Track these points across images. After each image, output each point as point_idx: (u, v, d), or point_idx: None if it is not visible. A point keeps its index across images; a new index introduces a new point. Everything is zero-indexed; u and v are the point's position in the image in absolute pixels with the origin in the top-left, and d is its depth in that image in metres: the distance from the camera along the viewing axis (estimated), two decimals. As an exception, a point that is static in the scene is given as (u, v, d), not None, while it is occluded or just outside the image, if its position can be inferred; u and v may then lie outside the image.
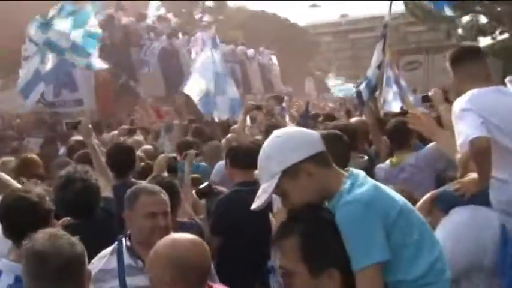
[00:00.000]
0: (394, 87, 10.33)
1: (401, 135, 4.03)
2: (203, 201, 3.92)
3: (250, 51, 20.20)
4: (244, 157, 3.62)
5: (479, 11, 26.69)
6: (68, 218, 2.93)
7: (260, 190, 1.70)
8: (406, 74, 17.35)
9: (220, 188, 4.15)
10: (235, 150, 3.86)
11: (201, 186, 3.85)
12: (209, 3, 38.54)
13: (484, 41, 28.55)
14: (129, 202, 2.48)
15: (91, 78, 10.68)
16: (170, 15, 16.74)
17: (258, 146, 3.56)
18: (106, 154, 4.09)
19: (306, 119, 6.60)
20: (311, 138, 1.72)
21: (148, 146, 6.16)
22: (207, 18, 34.92)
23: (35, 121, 10.24)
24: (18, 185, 3.24)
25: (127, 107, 10.97)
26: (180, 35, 15.37)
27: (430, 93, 3.60)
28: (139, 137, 7.04)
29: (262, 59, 21.63)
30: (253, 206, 1.70)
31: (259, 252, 3.04)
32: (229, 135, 6.02)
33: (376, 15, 72.51)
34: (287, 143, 1.68)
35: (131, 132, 6.67)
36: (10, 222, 2.34)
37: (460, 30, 28.64)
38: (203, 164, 5.38)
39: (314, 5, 56.87)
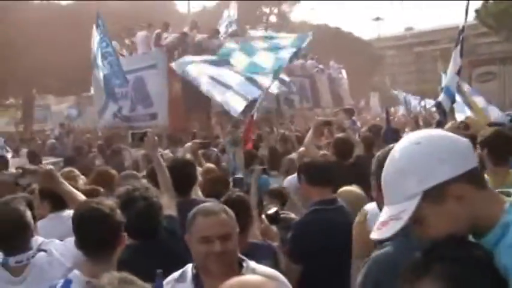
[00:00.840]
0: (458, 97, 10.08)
1: (500, 148, 3.38)
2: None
3: (320, 65, 20.17)
4: (321, 173, 3.43)
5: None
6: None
7: (385, 215, 1.31)
8: (479, 85, 16.68)
9: (287, 212, 3.89)
10: (310, 166, 3.55)
11: (270, 212, 3.43)
12: (272, 18, 39.04)
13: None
14: (188, 224, 2.22)
15: (165, 94, 11.09)
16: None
17: (331, 162, 3.52)
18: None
19: (389, 132, 6.30)
20: (463, 148, 1.29)
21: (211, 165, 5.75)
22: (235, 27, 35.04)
23: (112, 136, 10.71)
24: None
25: (198, 122, 11.13)
26: None
27: None
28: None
29: (332, 73, 21.49)
30: (378, 236, 1.31)
31: (345, 279, 2.84)
32: (300, 150, 5.93)
33: (440, 28, 70.62)
34: (433, 153, 1.26)
35: (204, 146, 6.46)
36: (83, 232, 2.30)
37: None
38: (264, 176, 4.97)
39: (378, 18, 56.02)
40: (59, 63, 24.66)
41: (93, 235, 2.26)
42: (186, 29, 13.76)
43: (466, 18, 6.99)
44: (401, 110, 21.52)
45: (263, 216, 3.41)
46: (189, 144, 6.05)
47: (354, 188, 4.00)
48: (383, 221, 1.30)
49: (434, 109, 7.96)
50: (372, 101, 29.42)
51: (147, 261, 2.58)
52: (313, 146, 5.40)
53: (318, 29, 41.88)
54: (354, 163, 5.11)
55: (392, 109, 24.42)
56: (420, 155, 1.26)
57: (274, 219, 3.40)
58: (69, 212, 3.01)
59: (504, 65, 18.47)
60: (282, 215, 3.55)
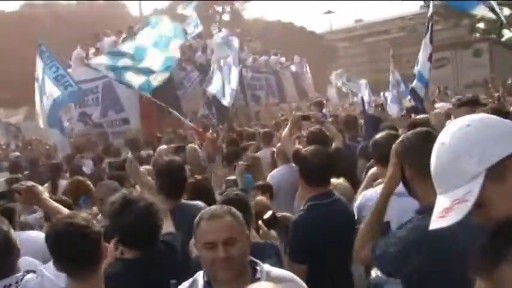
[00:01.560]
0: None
1: None
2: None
3: (283, 61, 20.33)
4: (314, 170, 3.27)
5: (502, 3, 26.22)
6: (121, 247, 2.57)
7: (447, 201, 1.25)
8: (433, 71, 17.05)
9: (282, 213, 3.73)
10: (308, 164, 3.33)
11: (266, 216, 3.28)
12: (225, 17, 38.90)
13: (508, 34, 28.05)
14: (194, 230, 2.08)
15: (136, 98, 11.09)
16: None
17: (328, 158, 3.42)
18: (156, 174, 3.69)
19: (371, 120, 6.35)
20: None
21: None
22: (223, 32, 35.08)
23: (84, 143, 10.49)
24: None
25: (170, 125, 11.05)
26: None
27: None
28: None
29: (296, 68, 21.53)
30: (445, 223, 1.22)
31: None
32: (278, 145, 5.86)
33: (389, 18, 72.26)
34: (487, 132, 1.25)
35: (179, 150, 6.34)
36: (60, 251, 2.13)
37: (482, 24, 28.22)
38: (247, 175, 5.05)
39: (329, 11, 56.80)
40: (7, 74, 23.73)
41: (71, 252, 2.08)
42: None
43: (432, 5, 7.12)
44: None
45: (259, 222, 3.25)
46: (163, 147, 5.92)
47: (340, 181, 3.96)
48: (446, 207, 1.24)
49: (408, 96, 8.01)
50: (329, 92, 29.82)
51: (147, 277, 2.51)
52: (289, 141, 5.33)
53: (271, 25, 42.12)
54: (335, 155, 5.06)
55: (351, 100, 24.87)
56: (475, 136, 1.25)
57: (271, 223, 3.27)
58: None
59: (456, 50, 19.11)
60: (278, 217, 3.42)
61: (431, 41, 6.74)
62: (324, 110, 10.26)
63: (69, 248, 2.09)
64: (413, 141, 2.06)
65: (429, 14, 6.69)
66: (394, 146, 2.13)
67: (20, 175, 6.62)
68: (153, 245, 2.63)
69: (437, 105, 8.25)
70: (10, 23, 24.96)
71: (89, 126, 11.92)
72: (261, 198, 3.82)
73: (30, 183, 3.01)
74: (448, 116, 5.81)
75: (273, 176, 5.08)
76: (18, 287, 2.35)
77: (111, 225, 2.57)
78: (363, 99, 7.20)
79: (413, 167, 2.01)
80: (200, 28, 14.14)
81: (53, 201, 3.02)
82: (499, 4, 26.16)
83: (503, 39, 23.86)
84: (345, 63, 58.35)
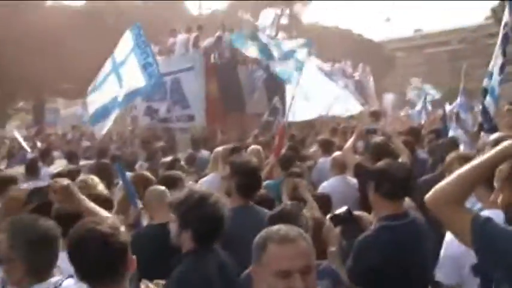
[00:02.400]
0: None
1: None
2: (337, 230, 3.06)
3: (348, 70, 20.10)
4: (397, 184, 2.98)
5: None
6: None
7: None
8: (501, 86, 16.15)
9: (359, 213, 3.36)
10: (384, 174, 3.06)
11: (339, 211, 3.07)
12: (283, 20, 38.72)
13: None
14: (256, 252, 1.81)
15: (202, 95, 11.40)
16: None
17: (407, 171, 3.13)
18: (232, 173, 3.47)
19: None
20: None
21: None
22: (280, 35, 35.15)
23: (149, 136, 10.67)
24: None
25: (235, 124, 11.22)
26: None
27: None
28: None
29: (359, 77, 21.38)
30: None
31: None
32: (336, 154, 5.63)
33: (449, 29, 70.18)
34: None
35: (234, 150, 6.11)
36: (80, 258, 1.97)
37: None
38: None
39: (388, 19, 55.65)
40: (69, 66, 24.51)
41: (90, 260, 1.92)
42: (219, 32, 14.04)
43: (508, 11, 6.54)
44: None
45: (327, 217, 3.08)
46: (219, 149, 5.77)
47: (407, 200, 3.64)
48: None
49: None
50: (384, 102, 29.16)
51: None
52: (351, 152, 5.12)
53: (329, 30, 41.63)
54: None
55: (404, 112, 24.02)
56: None
57: (343, 220, 3.01)
58: None
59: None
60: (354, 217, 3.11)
61: (504, 53, 6.15)
62: (381, 122, 9.90)
63: (87, 256, 1.93)
64: None
65: (504, 20, 6.11)
66: None
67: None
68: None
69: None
70: (74, 18, 25.80)
71: (155, 121, 12.15)
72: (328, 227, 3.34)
73: (66, 181, 2.74)
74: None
75: (324, 188, 4.94)
76: None
77: (184, 218, 2.54)
78: (444, 111, 6.78)
79: None
80: (269, 31, 14.27)
81: (90, 202, 2.76)
82: None
83: None
84: (402, 73, 57.05)
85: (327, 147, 6.85)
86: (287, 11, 39.78)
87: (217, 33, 13.89)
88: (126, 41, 8.23)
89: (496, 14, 24.74)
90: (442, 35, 71.02)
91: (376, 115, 9.67)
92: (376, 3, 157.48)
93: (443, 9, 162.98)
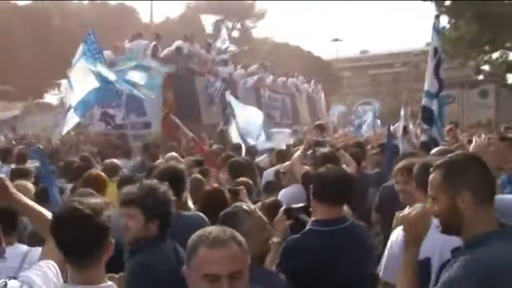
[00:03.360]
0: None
1: None
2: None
3: (303, 86, 20.75)
4: (331, 189, 3.03)
5: (508, 47, 26.48)
6: None
7: None
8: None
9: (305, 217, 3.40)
10: (320, 179, 3.15)
11: (296, 205, 3.23)
12: (235, 34, 38.99)
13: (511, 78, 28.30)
14: (188, 255, 1.78)
15: (159, 105, 11.72)
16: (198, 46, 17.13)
17: (344, 178, 3.23)
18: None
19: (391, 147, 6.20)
20: None
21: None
22: (232, 48, 35.43)
23: (103, 142, 10.58)
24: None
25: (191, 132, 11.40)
26: (237, 66, 16.76)
27: None
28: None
29: (311, 92, 22.10)
30: None
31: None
32: (285, 165, 5.71)
33: (394, 52, 73.03)
34: None
35: (199, 164, 6.18)
36: (58, 233, 2.01)
37: (487, 67, 28.42)
38: None
39: (336, 39, 57.14)
40: (11, 67, 23.53)
41: (68, 237, 1.98)
42: (179, 42, 14.25)
43: (436, 38, 6.91)
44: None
45: (282, 209, 3.18)
46: (170, 154, 5.81)
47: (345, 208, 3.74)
48: None
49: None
50: (330, 119, 29.86)
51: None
52: (299, 163, 5.22)
53: (279, 46, 42.27)
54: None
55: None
56: None
57: (297, 213, 3.15)
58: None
59: (463, 89, 19.14)
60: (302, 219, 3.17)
61: (437, 75, 6.47)
62: (324, 134, 10.12)
63: (66, 232, 1.98)
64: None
65: (433, 46, 6.43)
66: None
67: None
68: None
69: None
70: (20, 16, 24.85)
71: (110, 127, 12.27)
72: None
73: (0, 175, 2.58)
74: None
75: (284, 194, 4.88)
76: None
77: (152, 210, 2.71)
78: (389, 127, 6.99)
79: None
80: (227, 44, 14.58)
81: (25, 198, 2.61)
82: (506, 48, 26.46)
83: (508, 82, 24.03)
84: (347, 92, 58.70)
85: (281, 158, 6.98)
86: (238, 25, 40.18)
87: (177, 43, 13.99)
88: (79, 51, 8.35)
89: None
90: (387, 57, 73.76)
91: (321, 128, 9.87)
92: (325, 23, 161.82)
93: (388, 32, 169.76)
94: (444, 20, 25.95)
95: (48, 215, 2.40)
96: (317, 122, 11.27)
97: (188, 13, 37.21)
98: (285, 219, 3.10)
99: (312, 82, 23.74)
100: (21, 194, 2.59)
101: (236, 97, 13.92)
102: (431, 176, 1.99)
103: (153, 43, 13.44)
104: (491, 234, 1.86)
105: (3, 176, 2.59)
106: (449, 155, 2.05)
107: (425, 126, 6.09)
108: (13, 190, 2.55)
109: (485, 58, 27.89)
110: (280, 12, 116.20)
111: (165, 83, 11.53)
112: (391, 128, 7.44)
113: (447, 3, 23.44)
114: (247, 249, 1.77)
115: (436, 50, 6.43)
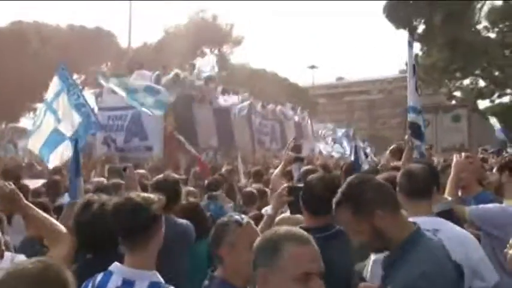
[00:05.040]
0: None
1: None
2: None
3: (289, 112, 21.92)
4: (319, 202, 3.02)
5: (478, 74, 27.44)
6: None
7: None
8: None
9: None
10: (311, 189, 3.18)
11: (300, 185, 3.33)
12: (213, 59, 39.33)
13: (482, 104, 29.23)
14: (266, 257, 1.65)
15: (160, 129, 12.39)
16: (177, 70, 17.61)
17: (332, 183, 3.28)
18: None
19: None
20: None
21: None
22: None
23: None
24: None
25: (188, 156, 11.77)
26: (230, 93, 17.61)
27: None
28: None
29: (298, 119, 23.30)
30: None
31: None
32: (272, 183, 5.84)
33: (369, 79, 74.69)
34: None
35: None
36: (114, 221, 2.27)
37: (459, 93, 29.31)
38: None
39: (312, 66, 58.19)
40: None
41: (123, 224, 2.22)
42: (177, 70, 14.97)
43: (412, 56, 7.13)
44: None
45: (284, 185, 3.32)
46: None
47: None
48: None
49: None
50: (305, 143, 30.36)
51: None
52: (279, 179, 5.30)
53: (256, 72, 42.73)
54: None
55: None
56: None
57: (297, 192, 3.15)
58: None
59: (437, 114, 19.67)
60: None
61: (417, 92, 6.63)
62: (301, 155, 10.41)
63: (120, 219, 2.23)
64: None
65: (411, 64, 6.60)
66: None
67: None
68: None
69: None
70: (-4, 38, 24.64)
71: (112, 150, 12.71)
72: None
73: (11, 186, 2.65)
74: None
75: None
76: None
77: None
78: (356, 148, 7.13)
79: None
80: (215, 70, 15.16)
81: (36, 209, 2.72)
82: (476, 75, 27.33)
83: (479, 107, 24.80)
84: (323, 119, 59.52)
85: (258, 177, 7.18)
86: (215, 51, 40.57)
87: (175, 71, 14.81)
88: (55, 83, 8.28)
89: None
90: (362, 84, 75.26)
91: (297, 148, 10.05)
92: (301, 50, 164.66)
93: (363, 60, 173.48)
94: (417, 48, 26.87)
95: (61, 228, 2.61)
96: (292, 144, 11.48)
97: (166, 39, 37.43)
98: (285, 195, 3.19)
99: (299, 110, 24.75)
100: (32, 205, 2.71)
101: (230, 125, 15.69)
102: (339, 215, 2.09)
103: (157, 72, 14.26)
104: (410, 238, 1.99)
105: (13, 187, 2.66)
106: (344, 185, 2.13)
107: (417, 142, 6.10)
108: (23, 201, 2.66)
109: (457, 84, 28.85)
110: (256, 39, 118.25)
111: (167, 108, 12.35)
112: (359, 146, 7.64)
113: (419, 31, 24.22)
114: None
115: (414, 67, 6.59)
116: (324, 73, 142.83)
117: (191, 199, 4.77)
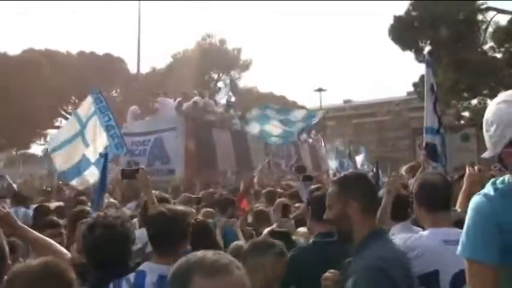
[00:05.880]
0: None
1: None
2: None
3: (304, 136, 22.10)
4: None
5: (486, 94, 27.39)
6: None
7: None
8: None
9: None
10: (317, 201, 3.23)
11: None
12: (220, 84, 39.72)
13: (493, 124, 29.01)
14: (178, 286, 1.34)
15: (182, 152, 13.28)
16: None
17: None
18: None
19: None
20: None
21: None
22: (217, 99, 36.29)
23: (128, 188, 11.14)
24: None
25: (207, 178, 12.45)
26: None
27: None
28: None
29: (312, 142, 23.83)
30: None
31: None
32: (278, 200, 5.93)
33: (376, 101, 74.83)
34: None
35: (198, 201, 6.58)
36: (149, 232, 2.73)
37: (467, 113, 29.21)
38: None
39: (320, 89, 58.28)
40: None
41: (156, 232, 2.65)
42: (196, 98, 15.77)
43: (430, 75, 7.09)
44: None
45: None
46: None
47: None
48: None
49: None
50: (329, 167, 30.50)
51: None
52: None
53: (264, 96, 42.99)
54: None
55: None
56: None
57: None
58: None
59: (445, 134, 19.59)
60: None
61: (436, 112, 6.53)
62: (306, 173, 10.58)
63: (151, 229, 2.72)
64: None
65: (429, 83, 6.56)
66: None
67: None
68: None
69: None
70: (9, 66, 25.05)
71: None
72: None
73: (5, 209, 2.76)
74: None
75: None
76: None
77: None
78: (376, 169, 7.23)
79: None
80: (232, 97, 15.75)
81: (33, 231, 2.84)
82: (484, 95, 27.11)
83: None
84: (331, 141, 59.45)
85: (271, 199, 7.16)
86: (223, 76, 40.95)
87: (194, 99, 15.55)
88: (88, 104, 8.63)
89: (418, 87, 26.77)
90: (370, 106, 75.31)
91: (301, 169, 10.16)
92: (308, 73, 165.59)
93: (371, 82, 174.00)
94: (422, 69, 26.96)
95: (64, 252, 2.76)
96: (297, 165, 11.74)
97: (174, 64, 37.91)
98: None
99: (313, 132, 25.03)
100: (27, 228, 2.81)
101: (247, 147, 16.54)
102: (329, 189, 2.41)
103: (179, 99, 15.19)
104: (370, 237, 2.23)
105: (7, 210, 2.77)
106: (344, 173, 2.56)
107: (433, 164, 6.02)
108: (19, 224, 2.77)
109: (465, 104, 28.78)
110: (263, 62, 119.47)
111: (187, 134, 13.56)
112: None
113: (425, 52, 24.31)
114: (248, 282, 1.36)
115: (432, 87, 6.55)
116: (332, 96, 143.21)
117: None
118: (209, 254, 1.34)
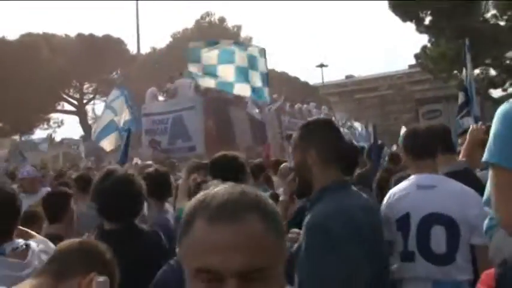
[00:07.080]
0: None
1: None
2: None
3: (313, 110, 22.72)
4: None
5: (488, 63, 27.15)
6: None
7: None
8: (426, 122, 17.44)
9: None
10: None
11: None
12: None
13: (495, 93, 28.92)
14: (181, 232, 1.01)
15: (202, 130, 13.83)
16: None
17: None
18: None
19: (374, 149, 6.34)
20: None
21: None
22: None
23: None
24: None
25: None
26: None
27: None
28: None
29: (322, 116, 24.08)
30: None
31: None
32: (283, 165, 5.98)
33: (378, 75, 74.40)
34: None
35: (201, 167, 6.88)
36: None
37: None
38: None
39: (321, 65, 57.98)
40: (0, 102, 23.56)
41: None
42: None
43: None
44: None
45: None
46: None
47: None
48: None
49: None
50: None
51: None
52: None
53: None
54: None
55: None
56: None
57: None
58: None
59: (448, 103, 19.54)
60: None
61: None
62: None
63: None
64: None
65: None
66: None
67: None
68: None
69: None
70: (8, 50, 24.95)
71: (157, 152, 13.86)
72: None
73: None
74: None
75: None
76: (28, 249, 2.18)
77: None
78: (374, 127, 7.14)
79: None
80: None
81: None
82: (486, 65, 26.98)
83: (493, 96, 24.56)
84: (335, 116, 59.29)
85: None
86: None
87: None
88: (114, 95, 9.88)
89: (419, 58, 26.53)
90: (372, 81, 74.94)
91: (290, 138, 10.33)
92: (309, 49, 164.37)
93: (372, 56, 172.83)
94: (424, 39, 26.71)
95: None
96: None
97: (174, 43, 37.65)
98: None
99: (323, 108, 25.47)
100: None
101: (263, 123, 16.75)
102: (293, 137, 2.25)
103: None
104: (326, 189, 2.05)
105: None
106: (307, 120, 2.32)
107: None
108: None
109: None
110: (264, 39, 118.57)
111: (206, 112, 14.12)
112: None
113: (427, 22, 24.05)
114: (282, 228, 1.01)
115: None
116: (333, 71, 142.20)
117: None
118: (224, 191, 0.98)
